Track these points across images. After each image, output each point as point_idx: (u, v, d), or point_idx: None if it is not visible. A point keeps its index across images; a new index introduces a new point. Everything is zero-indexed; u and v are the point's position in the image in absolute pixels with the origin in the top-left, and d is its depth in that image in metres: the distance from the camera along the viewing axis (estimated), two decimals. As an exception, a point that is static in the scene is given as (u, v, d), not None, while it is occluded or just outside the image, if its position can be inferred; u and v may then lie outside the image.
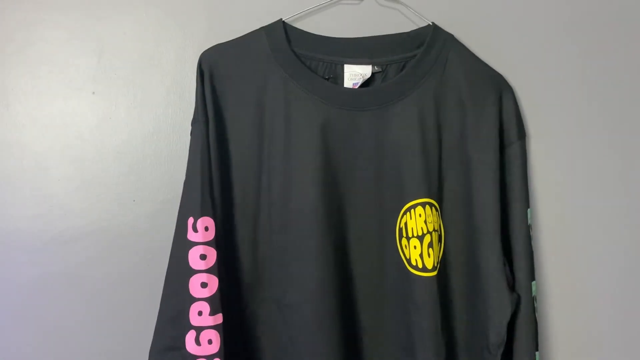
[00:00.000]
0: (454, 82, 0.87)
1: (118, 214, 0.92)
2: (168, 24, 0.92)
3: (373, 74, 0.89)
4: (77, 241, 0.91)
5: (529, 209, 0.89)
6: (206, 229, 0.83)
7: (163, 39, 0.92)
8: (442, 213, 0.89)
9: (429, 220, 0.86)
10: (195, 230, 0.82)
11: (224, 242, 0.86)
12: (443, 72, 0.87)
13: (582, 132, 0.96)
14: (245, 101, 0.86)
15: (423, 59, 0.87)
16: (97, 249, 0.92)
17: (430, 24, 0.89)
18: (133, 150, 0.92)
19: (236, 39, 0.87)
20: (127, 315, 0.93)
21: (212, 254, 0.83)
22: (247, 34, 0.88)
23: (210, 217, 0.83)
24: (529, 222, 0.89)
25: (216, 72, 0.86)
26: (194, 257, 0.82)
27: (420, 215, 0.86)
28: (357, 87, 0.89)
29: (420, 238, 0.86)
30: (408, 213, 0.87)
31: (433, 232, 0.86)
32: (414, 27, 0.91)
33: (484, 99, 0.87)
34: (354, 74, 0.89)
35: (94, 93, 0.91)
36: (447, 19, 0.90)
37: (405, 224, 0.87)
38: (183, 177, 0.84)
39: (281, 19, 0.87)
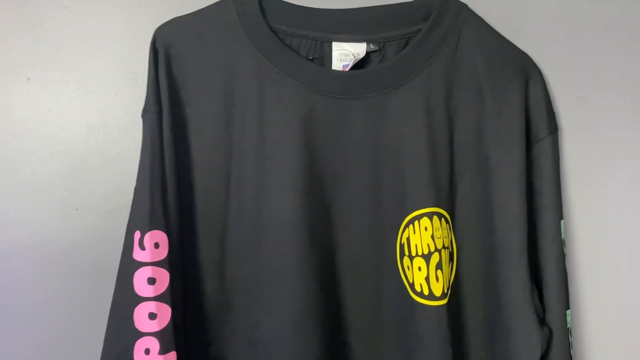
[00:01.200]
0: (469, 64, 0.71)
1: (57, 225, 0.76)
2: (120, -5, 0.76)
3: (368, 53, 0.73)
4: (8, 258, 0.76)
5: (562, 221, 0.72)
6: (156, 245, 0.66)
7: (113, 13, 0.76)
8: (454, 226, 0.72)
9: (437, 234, 0.69)
10: (142, 247, 0.66)
11: (180, 261, 0.69)
12: (455, 51, 0.71)
13: (627, 126, 0.78)
14: (209, 87, 0.70)
15: (430, 34, 0.71)
16: (32, 267, 0.76)
17: (439, -9, 0.73)
18: (75, 149, 0.76)
19: (199, 10, 0.72)
20: (66, 348, 0.76)
21: (164, 277, 0.66)
22: (212, 4, 0.72)
23: (162, 231, 0.67)
24: (563, 237, 0.72)
25: (173, 51, 0.70)
26: (140, 281, 0.66)
27: (426, 229, 0.69)
28: (348, 69, 0.73)
29: (427, 257, 0.69)
30: (411, 226, 0.70)
31: (442, 250, 0.69)
32: (419, -4, 0.74)
33: (507, 85, 0.71)
34: (345, 54, 0.73)
35: (28, 79, 0.76)
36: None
37: (408, 239, 0.70)
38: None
39: (255, -15, 0.71)
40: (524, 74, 0.72)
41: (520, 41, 0.73)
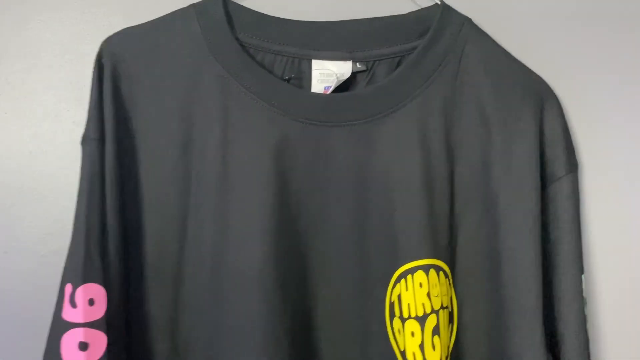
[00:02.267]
0: (473, 88, 0.61)
1: (-18, 271, 0.65)
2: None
3: (354, 73, 0.63)
4: None
5: (583, 275, 0.61)
6: (90, 302, 0.55)
7: (55, 22, 0.66)
8: (455, 281, 0.61)
9: (434, 292, 0.58)
10: (72, 304, 0.55)
11: (123, 322, 0.58)
12: (457, 73, 0.61)
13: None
14: (164, 111, 0.60)
15: (427, 53, 0.60)
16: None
17: (438, 2, 0.62)
18: (6, 181, 0.66)
19: (155, 20, 0.61)
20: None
21: (99, 341, 0.55)
22: (171, 13, 0.61)
23: (99, 284, 0.56)
24: (584, 295, 0.61)
25: (122, 68, 0.59)
26: (69, 347, 0.55)
27: (421, 285, 0.58)
28: (329, 92, 0.62)
29: (421, 320, 0.57)
30: (403, 281, 0.58)
31: (441, 311, 0.58)
32: (415, 8, 0.63)
33: (518, 114, 0.61)
34: (326, 74, 0.62)
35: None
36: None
37: (399, 297, 0.58)
38: (75, 220, 0.58)
39: (221, -8, 0.61)
40: (538, 101, 0.61)
41: (532, 62, 0.63)
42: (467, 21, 0.61)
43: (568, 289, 0.60)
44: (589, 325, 0.61)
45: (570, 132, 0.63)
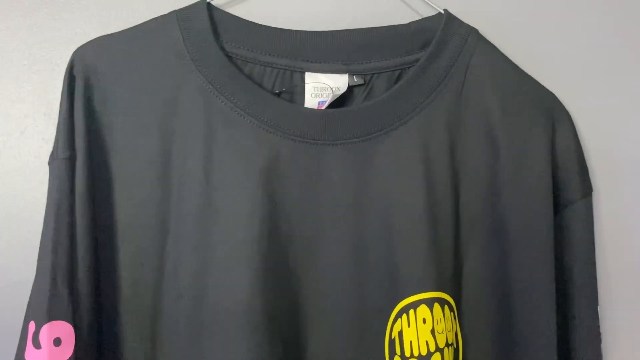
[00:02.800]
0: (480, 105, 0.56)
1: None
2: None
3: (351, 87, 0.58)
4: None
5: (598, 307, 0.56)
6: (57, 342, 0.49)
7: (23, 30, 0.60)
8: (461, 314, 0.56)
9: (438, 328, 0.52)
10: (36, 344, 0.49)
11: (95, 362, 0.52)
12: (462, 88, 0.56)
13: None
14: (141, 127, 0.54)
15: (430, 65, 0.55)
16: None
17: (442, 11, 0.57)
18: (-32, 203, 0.60)
19: (132, 28, 0.56)
20: None
21: (66, 387, 0.49)
22: (151, 20, 0.56)
23: (67, 322, 0.50)
24: (599, 328, 0.55)
25: (96, 79, 0.54)
26: None
27: (424, 321, 0.52)
28: (324, 107, 0.57)
29: (425, 359, 0.51)
30: (405, 316, 0.53)
31: (446, 349, 0.53)
32: (417, 17, 0.58)
33: (528, 132, 0.56)
34: (321, 88, 0.57)
35: None
36: (468, 8, 0.58)
37: (400, 333, 0.53)
38: (44, 246, 0.52)
39: (205, -1, 0.56)
40: (550, 119, 0.57)
41: (544, 77, 0.58)
42: (473, 32, 0.57)
43: (583, 322, 0.55)
44: (605, 361, 0.56)
45: (584, 153, 0.58)
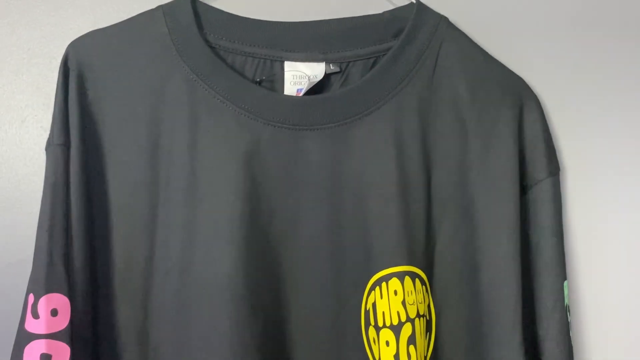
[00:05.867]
0: (450, 89, 0.59)
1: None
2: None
3: (327, 75, 0.61)
4: None
5: (565, 282, 0.59)
6: (53, 312, 0.53)
7: (22, 25, 0.64)
8: (433, 288, 0.59)
9: (409, 300, 0.55)
10: (35, 315, 0.53)
11: (89, 332, 0.56)
12: (432, 74, 0.59)
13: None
14: (132, 116, 0.58)
15: (402, 53, 0.58)
16: None
17: (414, 1, 0.60)
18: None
19: (123, 22, 0.59)
20: None
21: (62, 353, 0.53)
22: (139, 14, 0.59)
23: (63, 294, 0.54)
24: (567, 302, 0.59)
25: (89, 71, 0.57)
26: (31, 358, 0.53)
27: (395, 293, 0.56)
28: (302, 94, 0.60)
29: (396, 329, 0.55)
30: (377, 288, 0.56)
31: (417, 319, 0.56)
32: (390, 7, 0.61)
33: (496, 115, 0.59)
34: (299, 76, 0.60)
35: None
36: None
37: (374, 305, 0.56)
38: (42, 228, 0.55)
39: (189, -8, 0.59)
40: (518, 102, 0.59)
41: (512, 63, 0.61)
42: (443, 20, 0.60)
43: (549, 296, 0.58)
44: (572, 333, 0.59)
45: (552, 135, 0.61)
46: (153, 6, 0.59)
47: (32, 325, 0.53)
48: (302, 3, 0.64)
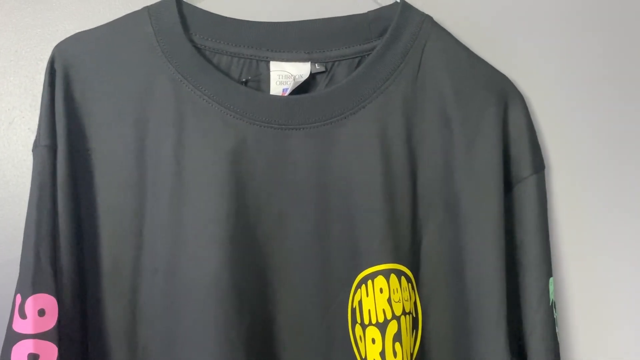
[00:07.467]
0: (434, 87, 0.59)
1: None
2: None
3: (313, 74, 0.61)
4: None
5: (551, 279, 0.59)
6: (41, 312, 0.53)
7: (8, 26, 0.64)
8: (419, 286, 0.59)
9: (395, 297, 0.56)
10: (22, 315, 0.53)
11: (77, 332, 0.56)
12: (417, 73, 0.59)
13: (632, 160, 0.65)
14: (117, 116, 0.58)
15: (386, 52, 0.59)
16: None
17: (398, 0, 0.60)
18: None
19: (109, 23, 0.60)
20: None
21: (50, 353, 0.54)
22: (125, 15, 0.60)
23: (50, 295, 0.54)
24: (552, 298, 0.59)
25: (75, 72, 0.58)
26: (18, 358, 0.53)
27: (381, 291, 0.56)
28: (287, 93, 0.60)
29: (382, 327, 0.56)
30: (363, 286, 0.57)
31: (403, 317, 0.56)
32: (375, 7, 0.62)
33: (480, 113, 0.59)
34: (285, 75, 0.61)
35: None
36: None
37: (360, 303, 0.57)
38: (31, 228, 0.56)
39: (174, -7, 0.60)
40: (502, 100, 0.59)
41: (496, 60, 0.61)
42: (427, 19, 0.60)
43: (534, 293, 0.58)
44: (558, 330, 0.59)
45: (537, 132, 0.61)
46: (139, 7, 0.59)
47: (20, 326, 0.53)
48: (287, 3, 0.64)
